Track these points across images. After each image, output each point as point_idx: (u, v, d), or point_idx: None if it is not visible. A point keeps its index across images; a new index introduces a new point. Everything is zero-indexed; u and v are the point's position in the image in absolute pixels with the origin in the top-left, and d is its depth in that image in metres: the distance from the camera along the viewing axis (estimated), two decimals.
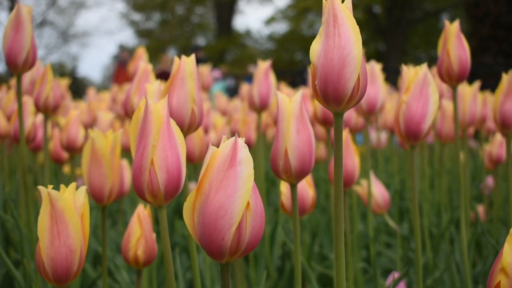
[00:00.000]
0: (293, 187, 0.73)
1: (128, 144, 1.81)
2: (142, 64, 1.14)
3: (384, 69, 1.44)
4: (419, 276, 0.82)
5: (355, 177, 1.09)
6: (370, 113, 1.30)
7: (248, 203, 0.46)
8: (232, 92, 8.06)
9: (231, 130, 2.20)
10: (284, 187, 0.97)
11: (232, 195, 0.45)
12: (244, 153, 0.46)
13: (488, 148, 1.75)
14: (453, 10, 14.88)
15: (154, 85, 0.85)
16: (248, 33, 18.30)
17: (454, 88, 1.02)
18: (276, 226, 1.52)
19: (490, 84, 2.92)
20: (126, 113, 1.16)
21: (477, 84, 1.44)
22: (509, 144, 1.08)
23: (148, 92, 0.83)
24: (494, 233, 1.51)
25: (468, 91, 1.39)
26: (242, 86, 3.35)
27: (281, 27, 19.80)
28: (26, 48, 0.99)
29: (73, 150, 1.43)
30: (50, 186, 0.61)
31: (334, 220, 0.57)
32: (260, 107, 1.44)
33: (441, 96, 1.68)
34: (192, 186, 1.86)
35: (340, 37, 0.52)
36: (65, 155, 1.57)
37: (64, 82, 2.35)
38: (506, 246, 0.49)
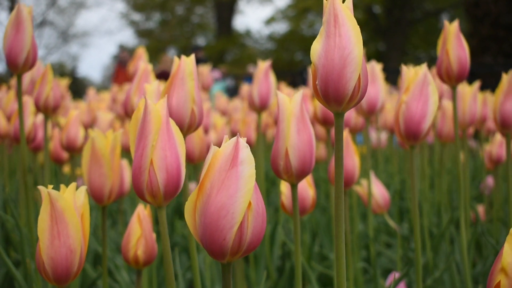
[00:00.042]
0: (293, 187, 0.73)
1: (128, 144, 1.81)
2: (142, 64, 1.14)
3: (384, 69, 1.45)
4: (419, 276, 0.82)
5: (355, 177, 1.09)
6: (371, 113, 1.30)
7: (250, 203, 0.46)
8: (232, 92, 8.06)
9: (231, 130, 2.20)
10: (284, 187, 0.97)
11: (234, 195, 0.45)
12: (245, 153, 0.46)
13: (488, 148, 1.75)
14: (453, 10, 14.88)
15: (153, 85, 0.85)
16: (248, 33, 18.30)
17: (453, 88, 1.02)
18: (276, 226, 1.52)
19: (490, 84, 2.92)
20: (126, 113, 1.16)
21: (477, 84, 1.44)
22: (509, 144, 1.09)
23: (147, 92, 0.83)
24: (494, 233, 1.51)
25: (468, 91, 1.39)
26: (242, 86, 3.35)
27: (281, 27, 19.82)
28: (27, 48, 0.99)
29: (73, 150, 1.43)
30: (50, 186, 0.61)
31: (335, 220, 0.57)
32: (260, 107, 1.44)
33: (441, 96, 1.68)
34: (192, 186, 1.86)
35: (341, 37, 0.52)
36: (65, 155, 1.57)
37: (64, 82, 2.35)
38: (506, 246, 0.49)
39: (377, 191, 1.40)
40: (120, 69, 6.16)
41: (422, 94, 0.78)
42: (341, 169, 0.55)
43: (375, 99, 1.29)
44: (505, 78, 1.06)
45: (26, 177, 1.09)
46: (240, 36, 17.91)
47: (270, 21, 17.05)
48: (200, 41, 18.91)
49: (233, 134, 2.18)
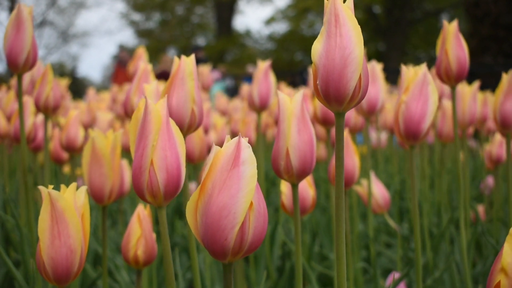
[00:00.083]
0: (294, 187, 0.73)
1: (128, 144, 1.81)
2: (141, 64, 1.14)
3: (384, 69, 1.45)
4: (419, 276, 0.82)
5: (355, 177, 1.09)
6: (371, 113, 1.30)
7: (251, 203, 0.46)
8: (232, 92, 8.06)
9: (231, 130, 2.20)
10: (284, 187, 0.97)
11: (235, 195, 0.45)
12: (247, 153, 0.46)
13: (488, 148, 1.75)
14: (453, 10, 14.88)
15: (152, 85, 0.85)
16: (248, 33, 18.30)
17: (453, 88, 1.02)
18: (276, 226, 1.52)
19: (490, 84, 2.92)
20: (126, 113, 1.16)
21: (476, 84, 1.44)
22: (509, 144, 1.09)
23: (146, 92, 0.83)
24: (494, 233, 1.51)
25: (468, 91, 1.39)
26: (242, 86, 3.35)
27: (281, 27, 19.82)
28: (27, 48, 0.99)
29: (73, 150, 1.43)
30: (51, 186, 0.61)
31: (335, 220, 0.57)
32: (260, 107, 1.44)
33: (441, 96, 1.68)
34: (192, 186, 1.86)
35: (341, 37, 0.52)
36: (65, 155, 1.57)
37: (64, 82, 2.35)
38: (506, 246, 0.49)
39: (377, 191, 1.40)
40: (120, 69, 6.16)
41: (421, 94, 0.78)
42: (342, 169, 0.55)
43: (375, 99, 1.29)
44: (505, 78, 1.06)
45: (26, 177, 1.09)
46: (240, 36, 17.91)
47: (270, 21, 17.05)
48: (200, 41, 18.92)
49: (233, 134, 2.18)
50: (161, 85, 1.33)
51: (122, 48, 7.61)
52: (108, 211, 1.89)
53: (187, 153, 1.41)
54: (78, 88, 15.38)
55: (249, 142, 1.91)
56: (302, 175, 0.71)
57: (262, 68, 1.44)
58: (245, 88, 3.13)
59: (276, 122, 1.86)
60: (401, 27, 14.34)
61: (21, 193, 1.41)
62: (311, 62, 0.54)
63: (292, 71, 12.58)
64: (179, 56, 0.80)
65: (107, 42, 48.02)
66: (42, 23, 16.81)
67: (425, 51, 15.82)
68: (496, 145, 1.70)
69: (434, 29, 15.06)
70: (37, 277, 0.94)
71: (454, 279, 1.21)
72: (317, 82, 0.53)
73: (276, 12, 17.07)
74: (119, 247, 1.46)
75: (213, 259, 1.35)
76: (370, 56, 11.52)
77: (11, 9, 15.33)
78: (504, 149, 1.68)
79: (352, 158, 1.08)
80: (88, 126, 2.15)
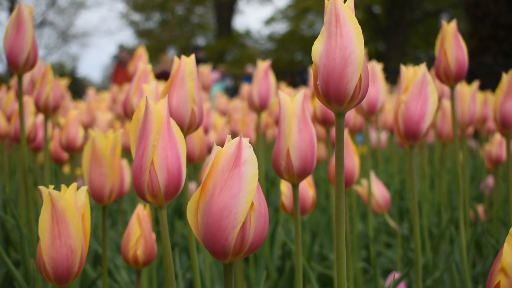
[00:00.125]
0: (295, 187, 0.73)
1: (128, 144, 1.81)
2: (141, 64, 1.14)
3: (384, 69, 1.45)
4: (419, 276, 0.82)
5: (355, 177, 1.09)
6: (371, 113, 1.30)
7: (252, 203, 0.46)
8: (232, 92, 8.06)
9: (231, 130, 2.20)
10: (284, 187, 0.97)
11: (237, 195, 0.45)
12: (248, 153, 0.46)
13: (488, 148, 1.75)
14: (453, 10, 14.88)
15: (152, 86, 0.85)
16: (248, 33, 18.30)
17: (452, 88, 1.02)
18: (276, 226, 1.52)
19: (490, 84, 2.92)
20: (125, 113, 1.16)
21: (476, 84, 1.44)
22: (509, 144, 1.09)
23: (146, 92, 0.83)
24: (494, 233, 1.51)
25: (467, 91, 1.39)
26: (242, 86, 3.35)
27: (281, 27, 19.83)
28: (27, 48, 0.99)
29: (73, 150, 1.43)
30: (51, 186, 0.61)
31: (335, 220, 0.57)
32: (259, 107, 1.44)
33: (441, 96, 1.68)
34: (192, 186, 1.86)
35: (342, 37, 0.52)
36: (65, 155, 1.57)
37: (64, 82, 2.35)
38: (506, 246, 0.49)
39: (378, 191, 1.40)
40: (119, 69, 6.16)
41: (421, 94, 0.78)
42: (342, 169, 0.55)
43: (375, 99, 1.29)
44: (505, 78, 1.06)
45: (26, 177, 1.09)
46: (240, 36, 17.92)
47: (270, 21, 17.05)
48: (200, 41, 18.92)
49: (233, 134, 2.18)
50: (161, 85, 1.33)
51: (122, 48, 7.61)
52: (108, 211, 1.89)
53: (187, 153, 1.41)
54: (78, 88, 15.38)
55: (249, 142, 1.91)
56: (302, 175, 0.71)
57: (262, 68, 1.44)
58: (245, 88, 3.13)
59: (277, 122, 1.86)
60: (401, 27, 14.34)
61: (21, 193, 1.41)
62: (311, 62, 0.54)
63: (292, 71, 12.58)
64: (179, 56, 0.80)
65: (107, 42, 48.06)
66: (42, 23, 16.82)
67: (425, 51, 15.82)
68: (496, 145, 1.70)
69: (434, 29, 15.06)
70: (37, 277, 0.94)
71: (454, 279, 1.21)
72: (318, 82, 0.53)
73: (276, 12, 17.08)
74: (119, 247, 1.46)
75: (213, 259, 1.35)
76: (370, 56, 11.51)
77: (11, 9, 15.33)
78: (503, 149, 1.68)
79: (352, 158, 1.08)
80: (87, 126, 2.15)
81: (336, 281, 0.57)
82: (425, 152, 1.89)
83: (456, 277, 1.21)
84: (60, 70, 18.87)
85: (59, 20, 18.36)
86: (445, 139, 1.68)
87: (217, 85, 6.62)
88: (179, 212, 1.95)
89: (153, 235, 0.88)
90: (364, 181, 1.43)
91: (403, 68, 0.80)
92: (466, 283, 1.08)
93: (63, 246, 0.61)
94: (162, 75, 4.91)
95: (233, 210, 0.45)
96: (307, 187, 0.97)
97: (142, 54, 2.12)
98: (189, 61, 0.79)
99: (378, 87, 1.30)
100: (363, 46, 0.52)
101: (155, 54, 14.11)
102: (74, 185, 0.63)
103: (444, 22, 1.00)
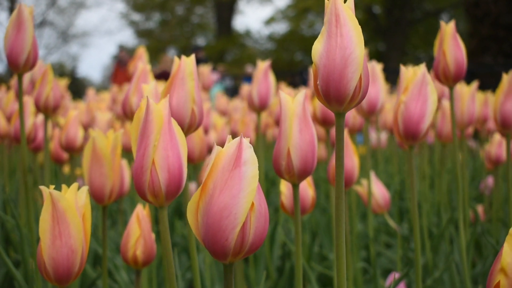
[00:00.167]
0: (295, 187, 0.73)
1: (127, 144, 1.81)
2: (140, 64, 1.14)
3: (384, 69, 1.45)
4: (419, 276, 0.82)
5: (354, 177, 1.09)
6: (371, 113, 1.30)
7: (252, 203, 0.46)
8: (232, 92, 8.06)
9: (231, 130, 2.20)
10: (284, 187, 0.97)
11: (237, 196, 0.45)
12: (249, 154, 0.46)
13: (487, 149, 1.75)
14: (453, 10, 14.89)
15: (151, 86, 0.85)
16: (248, 33, 18.30)
17: (450, 88, 1.02)
18: (276, 226, 1.52)
19: (490, 84, 2.92)
20: (124, 113, 1.16)
21: (475, 84, 1.44)
22: (509, 144, 1.09)
23: (145, 92, 0.83)
24: (494, 233, 1.51)
25: (466, 91, 1.39)
26: (241, 86, 3.35)
27: (281, 27, 19.83)
28: (28, 48, 0.99)
29: (72, 150, 1.43)
30: (52, 187, 0.61)
31: (335, 220, 0.57)
32: (259, 107, 1.44)
33: (441, 97, 1.68)
34: (192, 186, 1.86)
35: (342, 37, 0.52)
36: (65, 155, 1.57)
37: (64, 82, 2.35)
38: (506, 246, 0.49)
39: (378, 191, 1.40)
40: (119, 69, 6.16)
41: (420, 94, 0.78)
42: (342, 169, 0.55)
43: (375, 99, 1.29)
44: (506, 78, 1.06)
45: (26, 177, 1.09)
46: (240, 36, 17.92)
47: (270, 21, 17.05)
48: (200, 41, 18.92)
49: (233, 134, 2.18)
50: (161, 85, 1.33)
51: (121, 48, 7.61)
52: (108, 211, 1.89)
53: (187, 153, 1.41)
54: (78, 88, 15.39)
55: (249, 142, 1.91)
56: (303, 175, 0.71)
57: (262, 68, 1.44)
58: (245, 88, 3.13)
59: (276, 122, 1.86)
60: (401, 27, 14.34)
61: (21, 193, 1.41)
62: (311, 62, 0.54)
63: (292, 71, 12.58)
64: (179, 56, 0.80)
65: (107, 42, 48.06)
66: (42, 23, 16.82)
67: (425, 51, 15.81)
68: (495, 146, 1.70)
69: (434, 29, 15.04)
70: (36, 277, 0.94)
71: (453, 279, 1.21)
72: (318, 82, 0.53)
73: (276, 12, 17.08)
74: (119, 247, 1.46)
75: (213, 259, 1.35)
76: (370, 56, 11.50)
77: (11, 9, 15.34)
78: (503, 149, 1.68)
79: (351, 158, 1.08)
80: (87, 126, 2.15)
81: (336, 281, 0.57)
82: (425, 152, 1.89)
83: (455, 277, 1.21)
84: (60, 70, 18.88)
85: (59, 20, 18.38)
86: (445, 139, 1.68)
87: (217, 86, 6.61)
88: (179, 212, 1.95)
89: (153, 235, 0.88)
90: (364, 181, 1.43)
91: (403, 68, 0.80)
92: (466, 283, 1.08)
93: (63, 246, 0.61)
94: (162, 75, 4.91)
95: (233, 211, 0.45)
96: (306, 187, 0.97)
97: (142, 54, 2.12)
98: (189, 61, 0.79)
99: (378, 87, 1.30)
100: (363, 46, 0.52)
101: (155, 54, 14.12)
102: (75, 185, 0.63)
103: (442, 23, 1.00)
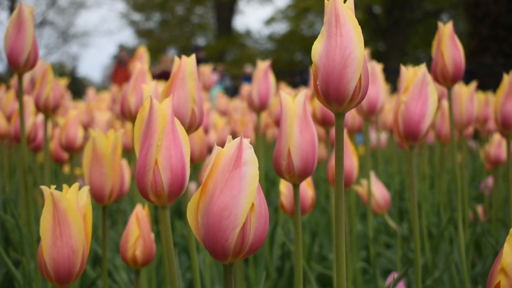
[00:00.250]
0: (295, 187, 0.73)
1: (127, 144, 1.81)
2: (138, 64, 1.14)
3: (384, 69, 1.45)
4: (418, 276, 0.82)
5: (353, 177, 1.09)
6: (371, 114, 1.30)
7: (253, 204, 0.45)
8: (232, 93, 8.05)
9: (231, 130, 2.20)
10: (284, 187, 0.97)
11: (237, 196, 0.45)
12: (249, 154, 0.45)
13: (487, 149, 1.75)
14: (453, 10, 14.89)
15: (151, 85, 0.85)
16: (248, 33, 18.30)
17: (449, 89, 1.02)
18: (276, 226, 1.52)
19: (490, 84, 2.92)
20: (123, 113, 1.16)
21: (473, 84, 1.44)
22: (509, 144, 1.09)
23: (144, 92, 0.83)
24: (494, 234, 1.51)
25: (465, 92, 1.39)
26: (241, 86, 3.35)
27: (281, 27, 19.82)
28: (28, 48, 0.99)
29: (72, 150, 1.43)
30: (53, 186, 0.61)
31: (335, 220, 0.57)
32: (259, 107, 1.44)
33: (441, 97, 1.68)
34: (192, 186, 1.86)
35: (342, 37, 0.52)
36: (65, 155, 1.57)
37: (63, 82, 2.35)
38: (506, 247, 0.49)
39: (377, 191, 1.40)
40: (119, 69, 6.16)
41: (421, 94, 0.78)
42: (341, 169, 0.55)
43: (375, 99, 1.29)
44: (506, 78, 1.06)
45: (26, 177, 1.09)
46: (240, 36, 17.91)
47: (270, 21, 17.05)
48: (200, 41, 18.91)
49: (233, 134, 2.18)
50: (161, 85, 1.33)
51: (121, 47, 7.61)
52: (108, 211, 1.89)
53: None
54: (78, 88, 15.39)
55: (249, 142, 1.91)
56: (303, 175, 0.71)
57: (262, 68, 1.44)
58: (245, 88, 3.13)
59: (276, 122, 1.86)
60: (401, 27, 14.34)
61: (21, 193, 1.41)
62: (311, 62, 0.54)
63: (292, 71, 12.58)
64: (179, 56, 0.80)
65: (107, 42, 48.04)
66: (42, 23, 16.81)
67: (425, 51, 15.81)
68: (495, 146, 1.70)
69: (434, 29, 14.94)
70: (36, 277, 0.95)
71: (453, 279, 1.21)
72: (317, 82, 0.53)
73: (276, 12, 17.07)
74: (119, 247, 1.46)
75: (213, 260, 1.35)
76: (370, 56, 11.50)
77: (11, 9, 15.33)
78: (502, 149, 1.68)
79: (351, 159, 1.08)
80: (87, 126, 2.15)
81: (335, 282, 0.57)
82: (425, 153, 1.89)
83: (455, 277, 1.21)
84: (60, 70, 18.87)
85: (59, 20, 18.37)
86: (445, 139, 1.68)
87: (216, 87, 6.60)
88: (179, 212, 1.95)
89: (152, 235, 0.88)
90: (364, 181, 1.43)
91: (403, 69, 0.80)
92: (466, 283, 1.08)
93: (64, 246, 0.61)
94: (162, 75, 4.91)
95: (233, 211, 0.45)
96: (306, 187, 0.97)
97: (143, 54, 2.13)
98: (190, 61, 0.79)
99: (378, 87, 1.30)
100: (363, 46, 0.52)
101: (155, 54, 14.11)
102: (76, 185, 0.63)
103: (440, 24, 1.00)
